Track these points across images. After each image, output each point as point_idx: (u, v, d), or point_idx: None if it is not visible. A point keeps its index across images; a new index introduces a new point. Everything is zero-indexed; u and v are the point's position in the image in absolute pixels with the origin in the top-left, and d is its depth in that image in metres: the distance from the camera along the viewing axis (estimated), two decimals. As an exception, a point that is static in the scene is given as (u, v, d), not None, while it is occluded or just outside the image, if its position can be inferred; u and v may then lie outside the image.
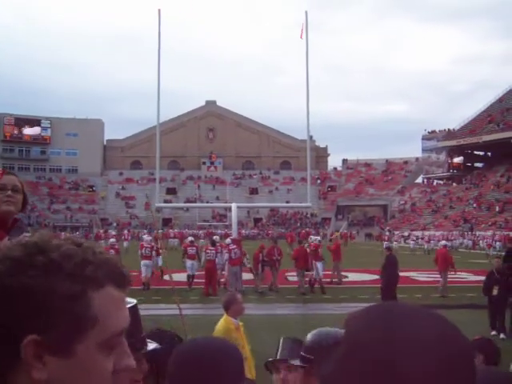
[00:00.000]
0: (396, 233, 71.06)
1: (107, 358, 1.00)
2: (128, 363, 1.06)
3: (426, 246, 53.53)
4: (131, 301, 2.06)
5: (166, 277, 22.07)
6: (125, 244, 48.12)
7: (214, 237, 26.59)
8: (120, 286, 1.04)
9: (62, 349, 0.96)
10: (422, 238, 60.31)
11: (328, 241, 50.72)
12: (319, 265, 22.74)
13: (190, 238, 26.06)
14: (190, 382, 1.67)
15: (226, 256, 21.66)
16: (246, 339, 7.22)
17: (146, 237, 26.39)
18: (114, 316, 1.02)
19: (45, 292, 0.95)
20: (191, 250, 23.33)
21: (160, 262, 24.84)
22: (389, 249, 20.36)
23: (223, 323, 7.08)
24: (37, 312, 0.94)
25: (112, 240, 25.43)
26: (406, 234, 72.06)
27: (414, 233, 69.20)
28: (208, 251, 21.91)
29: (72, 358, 0.97)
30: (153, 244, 24.55)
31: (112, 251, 22.54)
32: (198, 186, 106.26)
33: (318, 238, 28.28)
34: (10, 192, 3.14)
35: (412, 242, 56.18)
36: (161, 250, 22.87)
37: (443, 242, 26.33)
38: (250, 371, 6.91)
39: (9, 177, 3.21)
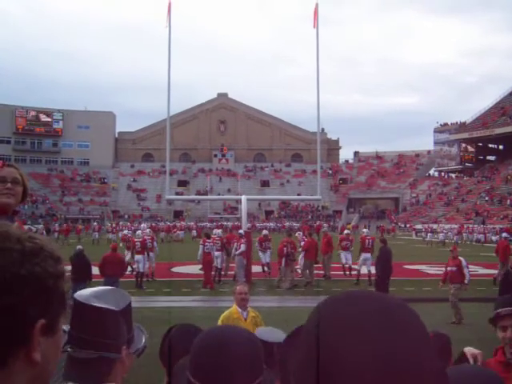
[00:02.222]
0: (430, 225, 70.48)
1: None
2: None
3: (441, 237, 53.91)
4: (127, 297, 2.05)
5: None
6: (111, 236, 49.59)
7: (213, 230, 26.55)
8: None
9: (52, 327, 1.02)
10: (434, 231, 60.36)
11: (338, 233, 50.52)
12: (367, 256, 22.71)
13: (216, 231, 25.83)
14: (208, 372, 1.63)
15: (243, 247, 21.57)
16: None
17: (139, 232, 25.81)
18: None
19: (45, 276, 1.00)
20: (216, 244, 23.18)
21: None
22: (383, 241, 20.13)
23: (226, 311, 7.26)
24: (43, 296, 1.00)
25: (138, 232, 24.91)
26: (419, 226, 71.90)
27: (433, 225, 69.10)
28: (206, 243, 21.82)
29: (55, 335, 1.04)
30: (145, 238, 23.88)
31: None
32: (220, 179, 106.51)
33: (365, 230, 27.95)
34: (9, 184, 3.18)
35: (425, 233, 56.55)
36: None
37: (504, 234, 26.06)
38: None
39: (9, 169, 3.25)
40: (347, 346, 0.82)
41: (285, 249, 21.61)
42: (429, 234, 56.06)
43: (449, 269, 15.43)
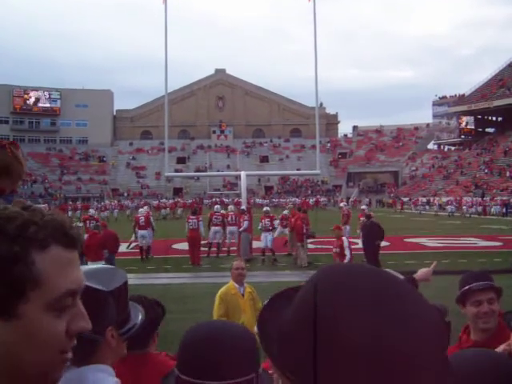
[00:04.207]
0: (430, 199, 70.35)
1: (57, 319, 0.99)
2: (83, 325, 1.04)
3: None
4: (123, 276, 2.00)
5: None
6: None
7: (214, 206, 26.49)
8: (68, 246, 1.02)
9: (4, 310, 0.95)
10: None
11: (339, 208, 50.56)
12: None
13: (217, 207, 25.77)
14: (197, 367, 1.57)
15: (245, 224, 21.52)
16: (254, 306, 7.28)
17: (142, 208, 25.84)
18: (61, 276, 0.99)
19: None
20: (216, 219, 23.25)
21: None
22: (367, 216, 19.72)
23: (223, 288, 7.30)
24: None
25: (142, 210, 24.92)
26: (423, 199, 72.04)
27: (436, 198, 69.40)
28: (190, 220, 21.83)
29: (15, 320, 0.96)
30: (148, 214, 24.05)
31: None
32: (228, 155, 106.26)
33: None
34: None
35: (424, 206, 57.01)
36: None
37: None
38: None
39: None
40: (345, 307, 0.81)
41: (304, 226, 20.58)
42: (450, 209, 56.41)
43: (334, 250, 14.78)
